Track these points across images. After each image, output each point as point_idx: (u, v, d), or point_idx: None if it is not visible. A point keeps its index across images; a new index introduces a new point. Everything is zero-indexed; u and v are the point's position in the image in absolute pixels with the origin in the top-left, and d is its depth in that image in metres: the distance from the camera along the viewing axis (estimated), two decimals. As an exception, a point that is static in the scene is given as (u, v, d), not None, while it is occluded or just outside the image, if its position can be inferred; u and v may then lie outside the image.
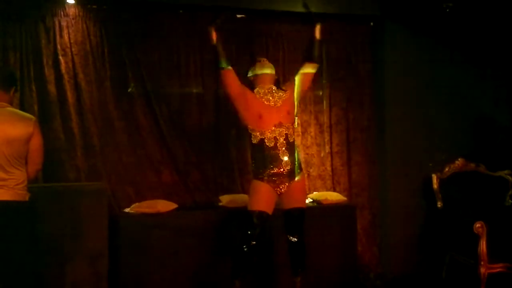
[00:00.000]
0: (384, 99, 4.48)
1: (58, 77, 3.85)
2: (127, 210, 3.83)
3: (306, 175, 4.11)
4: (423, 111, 4.43)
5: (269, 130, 3.28)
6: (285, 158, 3.28)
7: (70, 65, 3.88)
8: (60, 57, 3.85)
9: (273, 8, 4.20)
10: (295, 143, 3.44)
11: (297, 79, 3.46)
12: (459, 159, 4.35)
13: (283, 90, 3.44)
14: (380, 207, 4.52)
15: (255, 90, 3.39)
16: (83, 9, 3.91)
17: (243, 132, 4.20)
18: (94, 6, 3.95)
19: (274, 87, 3.42)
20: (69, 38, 3.88)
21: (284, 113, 3.34)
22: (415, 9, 4.33)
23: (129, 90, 4.04)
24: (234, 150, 4.26)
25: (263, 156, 3.28)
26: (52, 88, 3.84)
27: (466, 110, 4.51)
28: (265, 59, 3.58)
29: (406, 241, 4.40)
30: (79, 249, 3.32)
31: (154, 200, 3.87)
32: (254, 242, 3.20)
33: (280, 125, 3.31)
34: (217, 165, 4.22)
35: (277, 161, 3.27)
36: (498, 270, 3.69)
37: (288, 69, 4.35)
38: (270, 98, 3.36)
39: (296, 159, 3.36)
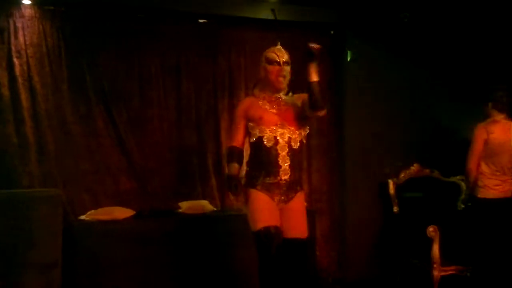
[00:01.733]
0: (344, 105, 4.56)
1: (12, 80, 3.72)
2: (82, 217, 3.74)
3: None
4: (381, 117, 4.54)
5: (270, 129, 2.91)
6: (285, 165, 2.87)
7: (25, 68, 3.76)
8: (15, 59, 3.73)
9: (236, 14, 4.22)
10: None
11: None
12: (414, 164, 4.48)
13: (292, 99, 3.05)
14: (339, 213, 4.59)
15: (261, 101, 2.99)
16: (40, 10, 3.81)
17: (205, 137, 4.26)
18: (51, 7, 3.85)
19: (281, 96, 3.03)
20: (24, 39, 3.76)
21: (289, 116, 2.96)
22: (374, 18, 4.44)
23: None
24: (194, 156, 4.23)
25: (260, 158, 2.89)
26: (5, 91, 3.71)
27: (422, 117, 4.64)
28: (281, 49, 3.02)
29: (364, 246, 4.49)
30: (32, 259, 3.18)
31: (111, 207, 3.80)
32: (273, 266, 2.76)
33: (282, 125, 2.92)
34: (177, 171, 4.18)
35: (275, 166, 2.86)
36: (450, 272, 3.82)
37: (250, 75, 4.37)
38: (270, 105, 2.99)
39: (298, 172, 2.96)
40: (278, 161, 2.87)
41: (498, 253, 3.61)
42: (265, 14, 4.18)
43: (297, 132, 2.95)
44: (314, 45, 2.76)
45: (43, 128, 3.79)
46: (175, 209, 4.03)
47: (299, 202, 2.97)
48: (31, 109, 3.77)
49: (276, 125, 2.93)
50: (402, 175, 4.43)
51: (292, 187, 2.92)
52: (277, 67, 2.95)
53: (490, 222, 3.63)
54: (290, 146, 2.90)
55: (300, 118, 2.99)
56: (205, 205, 4.08)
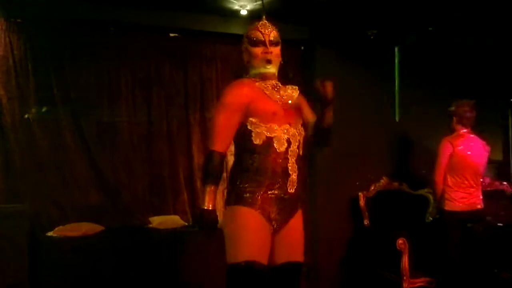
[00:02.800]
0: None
1: (-23, 93, 3.64)
2: (50, 233, 3.65)
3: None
4: (350, 131, 4.61)
5: (282, 128, 2.28)
6: (295, 175, 2.29)
7: (-9, 81, 3.69)
8: (-20, 72, 3.66)
9: (207, 29, 4.24)
10: None
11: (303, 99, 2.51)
12: (383, 178, 4.56)
13: (290, 87, 2.44)
14: (310, 227, 4.61)
15: (259, 84, 2.33)
16: (7, 22, 3.75)
17: (176, 151, 4.22)
18: (19, 20, 3.79)
19: (278, 83, 2.41)
20: (-10, 52, 3.69)
21: (298, 112, 2.41)
22: (343, 34, 4.54)
23: (25, 116, 3.76)
24: (166, 170, 4.20)
25: (263, 167, 2.23)
26: (-30, 105, 3.63)
27: (390, 130, 4.75)
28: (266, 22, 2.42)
29: (335, 259, 4.51)
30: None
31: (79, 223, 3.73)
32: None
33: (296, 124, 2.35)
34: (148, 185, 4.14)
35: (284, 177, 2.26)
36: (419, 284, 3.89)
37: (221, 88, 4.36)
38: (277, 94, 2.35)
39: (302, 184, 2.42)
40: (288, 170, 2.25)
41: (463, 264, 3.70)
42: (235, 29, 4.23)
43: (303, 135, 2.41)
44: (327, 87, 2.25)
45: (10, 142, 3.71)
46: (145, 224, 3.97)
47: (299, 221, 2.41)
48: (-4, 122, 3.68)
49: (289, 123, 2.31)
50: (372, 188, 4.51)
51: (295, 203, 2.35)
52: (262, 48, 2.33)
53: (456, 234, 3.71)
54: (299, 152, 2.34)
55: (300, 115, 2.44)
56: (176, 220, 4.04)
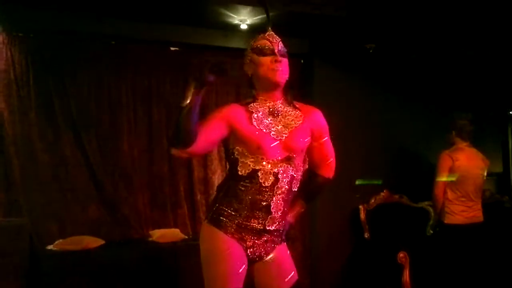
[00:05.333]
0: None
1: (-22, 106, 3.66)
2: (50, 247, 3.63)
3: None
4: (350, 143, 4.62)
5: (270, 161, 2.07)
6: (278, 213, 2.08)
7: (-8, 94, 3.70)
8: (-19, 85, 3.67)
9: (207, 43, 4.27)
10: None
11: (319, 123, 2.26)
12: (384, 190, 4.56)
13: (296, 111, 2.16)
14: (311, 239, 4.61)
15: (251, 105, 2.11)
16: (8, 36, 3.77)
17: (176, 163, 4.23)
18: (21, 34, 3.81)
19: (280, 105, 2.15)
20: (-9, 66, 3.71)
21: (296, 141, 2.12)
22: (342, 48, 4.58)
23: None
24: (166, 183, 4.20)
25: (245, 197, 2.06)
26: (-29, 118, 3.63)
27: (390, 142, 4.76)
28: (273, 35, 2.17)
29: (337, 272, 4.50)
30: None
31: (80, 236, 3.71)
32: None
33: (288, 159, 2.10)
34: (148, 198, 4.13)
35: (264, 212, 2.07)
36: (420, 298, 3.87)
37: (221, 101, 4.40)
38: (272, 125, 2.10)
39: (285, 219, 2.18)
40: (270, 207, 2.06)
41: (464, 278, 3.68)
42: (235, 43, 4.27)
43: (302, 168, 2.17)
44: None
45: (10, 155, 3.70)
46: (146, 238, 3.96)
47: (283, 253, 2.20)
48: (-3, 136, 3.69)
49: (281, 157, 2.08)
50: (372, 201, 4.50)
51: (276, 238, 2.14)
52: (272, 57, 2.09)
53: (457, 248, 3.71)
54: (290, 188, 2.10)
55: (305, 147, 2.18)
56: (177, 233, 4.03)
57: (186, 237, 4.08)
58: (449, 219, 3.75)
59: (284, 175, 2.08)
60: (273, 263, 2.14)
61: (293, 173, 2.11)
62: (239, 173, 2.06)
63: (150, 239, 3.94)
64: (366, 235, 4.36)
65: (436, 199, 3.78)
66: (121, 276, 3.56)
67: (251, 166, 2.05)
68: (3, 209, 3.65)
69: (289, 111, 2.15)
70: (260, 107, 2.11)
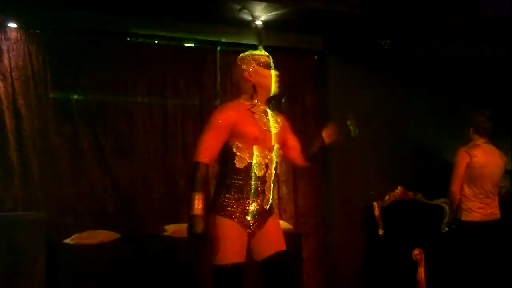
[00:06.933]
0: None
1: (-4, 102, 3.70)
2: (67, 241, 3.66)
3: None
4: (365, 141, 4.59)
5: (262, 154, 2.53)
6: (270, 194, 2.59)
7: (10, 90, 3.72)
8: (-1, 82, 3.72)
9: (222, 39, 4.29)
10: None
11: (287, 126, 2.78)
12: (398, 187, 4.54)
13: (276, 116, 2.69)
14: (326, 235, 4.60)
15: (251, 107, 2.56)
16: (26, 33, 3.80)
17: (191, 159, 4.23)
18: (38, 31, 3.84)
19: (268, 110, 2.67)
20: (9, 62, 3.73)
21: (280, 136, 2.66)
22: (356, 44, 4.56)
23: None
24: (181, 179, 4.21)
25: (245, 187, 2.50)
26: (-11, 114, 3.68)
27: (405, 139, 4.73)
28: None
29: (350, 269, 4.50)
30: (15, 285, 3.12)
31: (96, 231, 3.74)
32: None
33: (273, 148, 2.59)
34: (163, 193, 4.15)
35: (261, 196, 2.54)
36: (435, 296, 3.85)
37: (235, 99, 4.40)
38: (266, 121, 2.60)
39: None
40: (264, 191, 2.54)
41: (480, 276, 3.65)
42: (250, 39, 4.27)
43: (281, 156, 2.68)
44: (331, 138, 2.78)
45: (27, 151, 3.74)
46: (161, 233, 3.98)
47: (274, 221, 2.69)
48: (15, 131, 3.72)
49: (269, 149, 2.57)
50: (386, 197, 4.48)
51: (269, 212, 2.63)
52: (275, 72, 2.61)
53: (474, 245, 3.67)
54: (276, 172, 2.61)
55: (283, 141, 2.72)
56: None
57: (201, 232, 4.09)
58: (466, 216, 3.72)
59: (271, 163, 2.56)
60: (264, 234, 2.59)
61: (277, 160, 2.61)
62: (236, 166, 2.49)
63: (165, 233, 3.95)
64: (380, 232, 4.35)
65: (453, 196, 3.75)
66: (136, 270, 3.59)
67: (247, 160, 2.49)
68: (22, 203, 3.68)
69: (274, 114, 2.67)
70: (257, 108, 2.58)
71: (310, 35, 4.54)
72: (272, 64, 2.62)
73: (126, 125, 4.09)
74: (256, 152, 2.50)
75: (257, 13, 3.93)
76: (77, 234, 3.69)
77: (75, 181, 3.89)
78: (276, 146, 2.61)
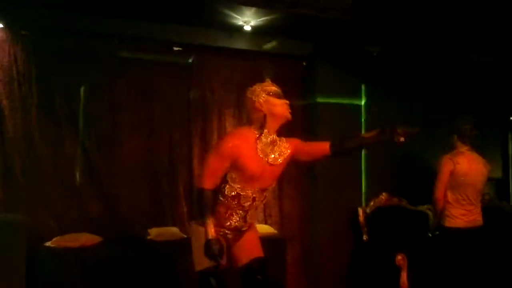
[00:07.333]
0: (315, 132, 4.63)
1: (-21, 103, 3.66)
2: (48, 244, 3.63)
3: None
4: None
5: (253, 190, 2.60)
6: (250, 220, 2.72)
7: (-6, 91, 3.70)
8: (-17, 83, 3.68)
9: (211, 43, 4.29)
10: None
11: (299, 147, 2.74)
12: (383, 193, 4.56)
13: (285, 143, 2.68)
14: (310, 240, 4.61)
15: (258, 138, 2.57)
16: (11, 33, 3.78)
17: (176, 162, 4.23)
18: (23, 32, 3.81)
19: (276, 137, 2.64)
20: (-6, 62, 3.71)
21: (278, 172, 2.67)
22: (345, 51, 4.58)
23: None
24: (166, 182, 4.20)
25: (229, 210, 2.62)
26: (-28, 114, 3.64)
27: (390, 146, 4.74)
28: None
29: (335, 273, 4.50)
30: (-7, 287, 3.10)
31: (78, 234, 3.72)
32: None
33: (265, 189, 2.68)
34: (148, 196, 4.13)
35: (241, 220, 2.66)
36: (418, 301, 3.87)
37: (223, 101, 4.41)
38: (270, 153, 2.60)
39: None
40: (246, 218, 2.67)
41: (462, 281, 3.67)
42: (239, 44, 4.28)
43: (273, 187, 2.84)
44: (402, 139, 2.67)
45: (10, 152, 3.71)
46: (144, 236, 3.96)
47: (252, 231, 2.79)
48: (-2, 132, 3.69)
49: (261, 186, 2.62)
50: (371, 203, 4.50)
51: (245, 229, 2.75)
52: (284, 101, 2.62)
53: (456, 251, 3.70)
54: (261, 203, 2.77)
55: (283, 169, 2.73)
56: (175, 232, 4.03)
57: (185, 236, 4.07)
58: (449, 223, 3.74)
59: (260, 197, 2.66)
60: (242, 242, 2.74)
61: (266, 195, 2.71)
62: (225, 192, 2.58)
63: (148, 237, 3.93)
64: (365, 237, 4.36)
65: (437, 202, 3.77)
66: (118, 273, 3.57)
67: (237, 190, 2.58)
68: (3, 204, 3.65)
69: (281, 141, 2.66)
70: (264, 137, 2.58)
71: (300, 41, 4.55)
72: (282, 94, 2.63)
73: (111, 127, 4.06)
74: (248, 186, 2.57)
75: (246, 18, 3.94)
76: (59, 237, 3.66)
77: (58, 184, 3.86)
78: (273, 181, 2.69)
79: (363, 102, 4.77)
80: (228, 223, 2.64)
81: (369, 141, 2.79)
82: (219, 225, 2.60)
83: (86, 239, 3.67)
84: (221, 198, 2.60)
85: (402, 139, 2.65)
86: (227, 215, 2.62)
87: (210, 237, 2.46)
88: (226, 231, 2.67)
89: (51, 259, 3.49)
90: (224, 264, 2.57)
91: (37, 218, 3.72)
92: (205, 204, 2.51)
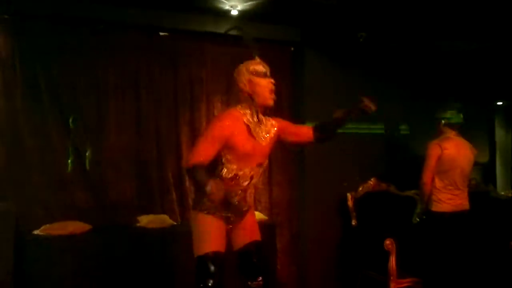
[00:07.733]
0: (303, 119, 4.63)
1: (-38, 90, 3.59)
2: (36, 232, 3.59)
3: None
4: (339, 132, 4.63)
5: (250, 168, 2.67)
6: (250, 200, 2.80)
7: (-23, 77, 3.63)
8: (-34, 69, 3.60)
9: (197, 28, 4.23)
10: None
11: (284, 126, 2.86)
12: (372, 179, 4.59)
13: (271, 121, 2.80)
14: (299, 226, 4.63)
15: (246, 119, 2.64)
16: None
17: (164, 150, 4.20)
18: (6, 16, 3.73)
19: (262, 116, 2.74)
20: (-24, 49, 3.63)
21: (267, 150, 2.76)
22: (333, 37, 4.57)
23: None
24: (154, 169, 4.17)
25: (229, 193, 2.65)
26: (-45, 102, 3.56)
27: (378, 131, 4.78)
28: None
29: (324, 258, 4.54)
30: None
31: (66, 221, 3.68)
32: None
33: (261, 164, 2.74)
34: (136, 184, 4.09)
35: (243, 200, 2.74)
36: (406, 285, 3.93)
37: (211, 88, 4.38)
38: (259, 131, 2.69)
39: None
40: (246, 198, 2.75)
41: (450, 265, 3.74)
42: (226, 28, 4.22)
43: (266, 164, 2.83)
44: (371, 107, 2.85)
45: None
46: (134, 223, 3.94)
47: (251, 215, 2.89)
48: (-19, 120, 3.63)
49: (257, 163, 2.69)
50: (360, 189, 4.53)
51: (246, 211, 2.83)
52: (268, 80, 2.66)
53: (443, 235, 3.76)
54: (258, 181, 2.89)
55: (272, 146, 2.82)
56: (165, 219, 4.02)
57: (175, 223, 4.07)
58: (436, 207, 3.80)
59: (257, 175, 2.73)
60: (241, 226, 2.83)
61: (262, 170, 2.77)
62: (223, 175, 2.63)
63: (138, 224, 3.92)
64: (354, 222, 4.40)
65: (424, 187, 3.82)
66: (108, 261, 3.55)
67: (234, 171, 2.63)
68: (-12, 194, 3.60)
69: (267, 119, 2.76)
70: (251, 116, 2.65)
71: (287, 27, 4.52)
72: (267, 73, 2.66)
73: (98, 114, 4.00)
74: (245, 165, 2.64)
75: (233, 3, 3.90)
76: (47, 225, 3.63)
77: (44, 171, 3.80)
78: (266, 158, 2.76)
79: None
80: (229, 206, 2.69)
81: (344, 118, 2.92)
82: (220, 211, 2.68)
83: (75, 227, 3.64)
84: (218, 180, 2.56)
85: (373, 107, 2.87)
86: (228, 201, 2.67)
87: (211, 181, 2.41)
88: (229, 214, 2.74)
89: (39, 247, 3.46)
90: (222, 250, 2.67)
91: (24, 206, 3.65)
92: (201, 176, 2.47)
